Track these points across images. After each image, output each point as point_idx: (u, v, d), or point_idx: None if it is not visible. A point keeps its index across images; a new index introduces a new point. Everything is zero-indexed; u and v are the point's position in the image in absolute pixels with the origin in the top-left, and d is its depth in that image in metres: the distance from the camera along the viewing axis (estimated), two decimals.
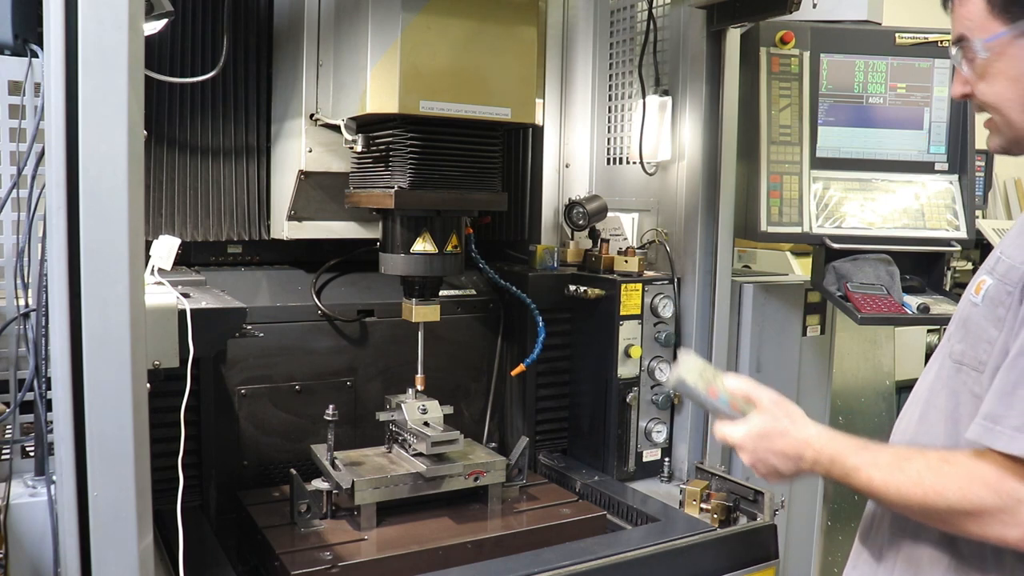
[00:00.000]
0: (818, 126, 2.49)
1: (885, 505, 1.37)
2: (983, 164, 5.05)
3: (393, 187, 2.04)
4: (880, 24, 2.59)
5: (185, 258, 2.38)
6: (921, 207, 2.50)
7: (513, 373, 2.51)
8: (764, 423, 1.42)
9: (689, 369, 1.56)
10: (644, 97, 2.56)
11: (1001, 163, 5.55)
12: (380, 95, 1.96)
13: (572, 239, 2.72)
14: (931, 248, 2.53)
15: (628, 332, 2.43)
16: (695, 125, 2.45)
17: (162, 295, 1.68)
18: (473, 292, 2.59)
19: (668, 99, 2.53)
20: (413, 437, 2.15)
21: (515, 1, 2.08)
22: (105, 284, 1.35)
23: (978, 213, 3.96)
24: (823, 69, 2.49)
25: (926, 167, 2.53)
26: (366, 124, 2.12)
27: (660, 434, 2.49)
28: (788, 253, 3.68)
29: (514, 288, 2.49)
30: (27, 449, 1.81)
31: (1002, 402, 1.23)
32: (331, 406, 2.08)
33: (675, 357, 2.44)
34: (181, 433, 1.68)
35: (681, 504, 2.21)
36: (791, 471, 1.40)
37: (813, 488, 2.77)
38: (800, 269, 3.58)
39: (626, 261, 2.50)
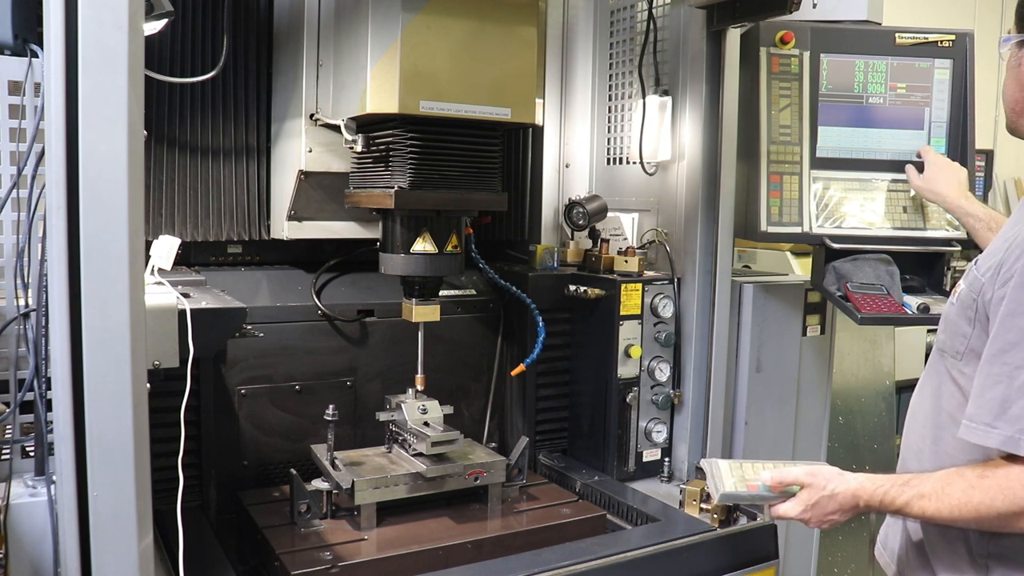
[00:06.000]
0: (818, 126, 2.49)
1: (938, 523, 1.54)
2: (983, 164, 5.06)
3: (393, 187, 2.04)
4: (880, 24, 2.59)
5: (185, 258, 2.38)
6: (921, 207, 2.50)
7: (513, 373, 2.51)
8: (812, 495, 1.62)
9: (724, 478, 1.77)
10: (644, 97, 2.56)
11: (1001, 163, 5.55)
12: (380, 95, 1.96)
13: (572, 239, 2.72)
14: (931, 248, 2.53)
15: (628, 332, 2.43)
16: (695, 125, 2.45)
17: (162, 295, 1.68)
18: (473, 292, 2.59)
19: (668, 99, 2.52)
20: (413, 437, 2.15)
21: (515, 1, 2.08)
22: (105, 284, 1.35)
23: None
24: (823, 69, 2.49)
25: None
26: (366, 124, 2.12)
27: (660, 434, 2.49)
28: (788, 253, 3.68)
29: (514, 288, 2.49)
30: (27, 449, 1.81)
31: (981, 405, 1.43)
32: (331, 406, 2.08)
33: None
34: (181, 433, 1.68)
35: (681, 504, 2.21)
36: (848, 518, 1.63)
37: None
38: (800, 269, 3.58)
39: (626, 261, 2.50)
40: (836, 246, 2.45)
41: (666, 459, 2.50)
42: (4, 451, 1.80)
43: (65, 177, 1.33)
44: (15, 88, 1.77)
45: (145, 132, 1.41)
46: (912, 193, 2.48)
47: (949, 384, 1.58)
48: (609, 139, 2.83)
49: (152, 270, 1.80)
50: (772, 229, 2.44)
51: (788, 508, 1.66)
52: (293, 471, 2.04)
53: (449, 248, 2.16)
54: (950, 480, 1.46)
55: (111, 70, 1.33)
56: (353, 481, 2.02)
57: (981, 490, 1.41)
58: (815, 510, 1.62)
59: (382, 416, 2.22)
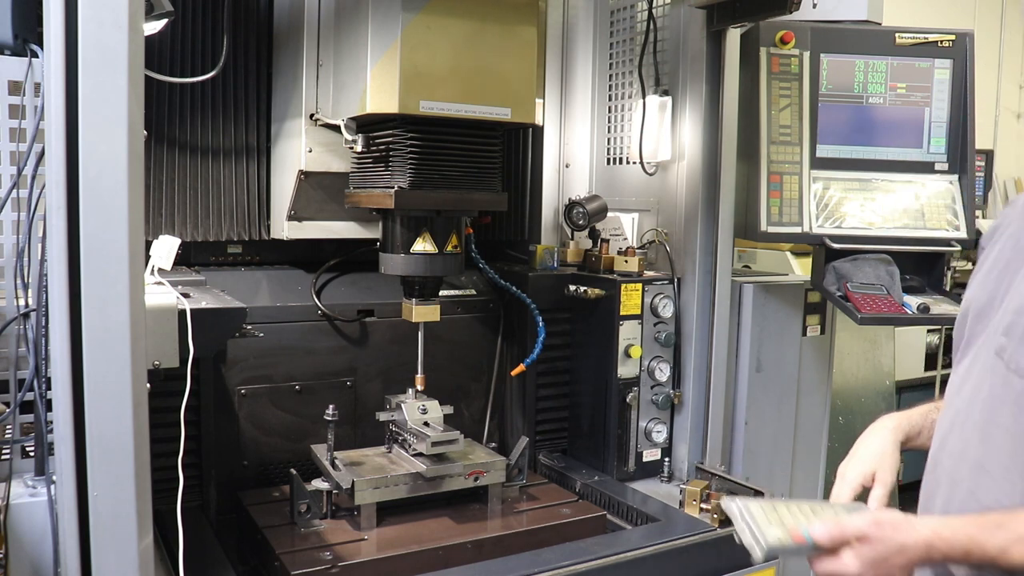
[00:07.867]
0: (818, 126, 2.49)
1: None
2: (983, 164, 5.07)
3: (393, 187, 2.04)
4: (880, 24, 2.59)
5: (185, 258, 2.38)
6: (921, 207, 2.50)
7: (513, 373, 2.51)
8: (877, 550, 1.27)
9: (764, 528, 1.45)
10: (644, 97, 2.56)
11: (1001, 163, 5.56)
12: (380, 95, 1.96)
13: (572, 239, 2.72)
14: (931, 248, 2.53)
15: (628, 332, 2.43)
16: (695, 125, 2.45)
17: (162, 295, 1.68)
18: (473, 292, 2.60)
19: (668, 99, 2.53)
20: (413, 437, 2.15)
21: (515, 1, 2.08)
22: (105, 284, 1.35)
23: (978, 213, 3.96)
24: (823, 69, 2.49)
25: (926, 167, 2.53)
26: (366, 124, 2.12)
27: (660, 434, 2.49)
28: (788, 253, 3.69)
29: (514, 288, 2.49)
30: (27, 449, 1.81)
31: None
32: (331, 406, 2.08)
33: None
34: (181, 433, 1.68)
35: (681, 504, 2.21)
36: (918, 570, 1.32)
37: (813, 487, 2.77)
38: (800, 269, 3.59)
39: (626, 261, 2.50)
40: (836, 246, 2.45)
41: (666, 459, 2.50)
42: (4, 451, 1.80)
43: (65, 177, 1.33)
44: (15, 88, 1.77)
45: (145, 132, 1.41)
46: (912, 193, 2.49)
47: (1012, 406, 1.26)
48: (609, 139, 2.83)
49: (152, 270, 1.80)
50: (772, 229, 2.44)
51: (845, 566, 1.29)
52: (293, 471, 2.04)
53: (449, 248, 2.16)
54: None
55: (111, 70, 1.33)
56: (353, 481, 2.02)
57: None
58: (878, 568, 1.26)
59: (382, 416, 2.22)
